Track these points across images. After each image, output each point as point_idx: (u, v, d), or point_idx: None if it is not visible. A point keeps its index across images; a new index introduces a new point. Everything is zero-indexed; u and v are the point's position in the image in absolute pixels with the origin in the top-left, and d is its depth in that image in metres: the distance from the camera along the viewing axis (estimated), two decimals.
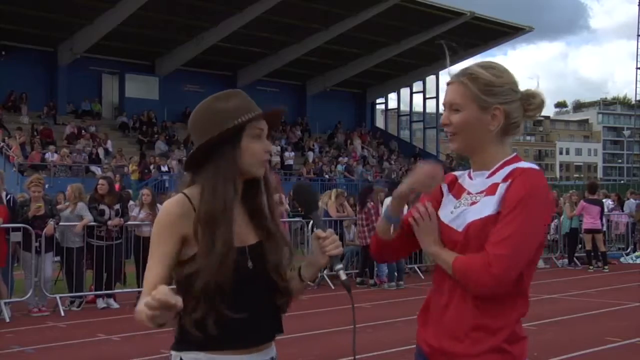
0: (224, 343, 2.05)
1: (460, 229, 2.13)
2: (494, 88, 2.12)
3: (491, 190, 2.10)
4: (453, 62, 2.34)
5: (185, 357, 2.07)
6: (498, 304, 2.04)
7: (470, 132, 2.14)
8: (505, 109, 2.12)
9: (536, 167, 2.10)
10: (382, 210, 12.28)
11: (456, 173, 2.30)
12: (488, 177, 2.15)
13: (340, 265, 2.15)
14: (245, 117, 2.09)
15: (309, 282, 2.20)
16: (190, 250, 2.06)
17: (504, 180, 2.08)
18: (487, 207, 2.08)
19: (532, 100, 2.17)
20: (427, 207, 2.20)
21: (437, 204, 2.25)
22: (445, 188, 2.27)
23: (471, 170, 2.23)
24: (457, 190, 2.24)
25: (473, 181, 2.20)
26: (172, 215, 2.08)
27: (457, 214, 2.17)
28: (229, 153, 2.09)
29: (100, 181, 10.28)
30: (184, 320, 2.04)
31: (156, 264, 2.06)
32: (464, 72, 2.16)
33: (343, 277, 2.13)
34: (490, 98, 2.11)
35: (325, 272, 11.70)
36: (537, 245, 2.06)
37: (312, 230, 13.93)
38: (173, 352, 2.11)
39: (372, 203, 12.43)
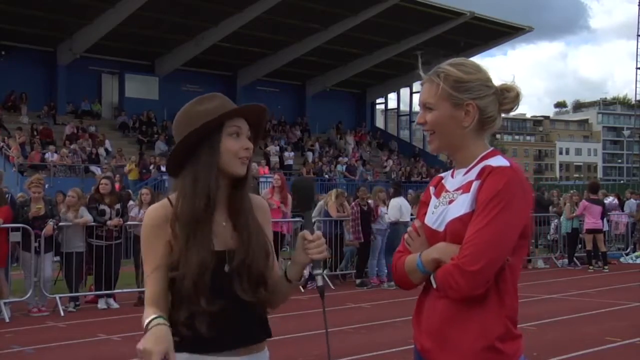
0: (201, 345, 2.07)
1: (440, 229, 2.14)
2: (465, 84, 2.13)
3: (467, 187, 2.11)
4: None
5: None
6: (485, 303, 2.03)
7: (445, 130, 2.16)
8: (479, 103, 2.13)
9: (508, 163, 2.08)
10: (380, 210, 12.16)
11: (442, 174, 2.32)
12: (465, 174, 2.16)
13: (319, 271, 2.11)
14: (218, 114, 2.11)
15: (297, 282, 2.17)
16: (173, 254, 2.08)
17: (477, 178, 2.08)
18: (463, 205, 2.08)
19: (507, 94, 2.17)
20: (417, 224, 2.23)
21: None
22: (432, 191, 2.29)
23: (454, 169, 2.25)
24: (439, 190, 2.25)
25: (454, 179, 2.21)
26: (156, 219, 2.11)
27: (437, 214, 2.18)
28: (207, 152, 2.11)
29: (103, 181, 10.24)
30: (174, 319, 2.06)
31: (152, 270, 2.09)
32: (435, 71, 2.18)
33: (320, 282, 2.11)
34: (461, 94, 2.12)
35: (324, 272, 11.70)
36: (512, 242, 2.02)
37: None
38: None
39: (354, 202, 12.48)
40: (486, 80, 2.16)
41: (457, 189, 2.15)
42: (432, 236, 2.17)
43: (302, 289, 9.24)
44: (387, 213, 12.51)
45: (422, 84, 2.22)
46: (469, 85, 2.13)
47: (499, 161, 2.09)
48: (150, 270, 2.10)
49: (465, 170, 2.17)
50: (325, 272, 11.76)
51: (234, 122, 2.14)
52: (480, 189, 2.04)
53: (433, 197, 2.25)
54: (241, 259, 2.10)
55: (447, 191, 2.19)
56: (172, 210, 2.10)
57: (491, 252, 1.97)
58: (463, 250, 1.99)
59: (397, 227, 12.14)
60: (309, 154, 30.12)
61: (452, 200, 2.14)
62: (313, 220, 13.16)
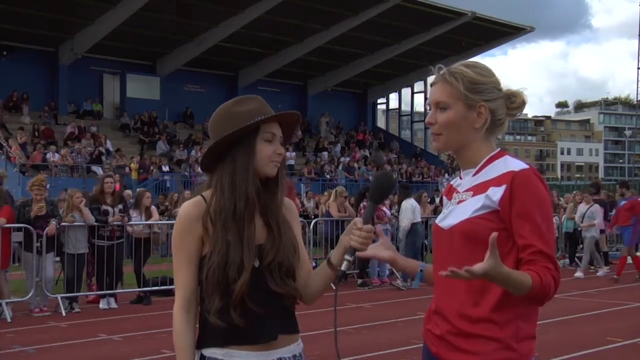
0: (232, 339, 2.14)
1: (446, 228, 2.16)
2: (478, 85, 2.15)
3: (479, 189, 2.12)
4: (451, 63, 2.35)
5: (205, 353, 2.19)
6: (496, 304, 2.05)
7: (456, 130, 2.17)
8: (490, 106, 2.16)
9: (525, 165, 2.11)
10: (385, 212, 12.14)
11: (452, 181, 2.35)
12: (474, 174, 2.18)
13: (349, 257, 2.18)
14: (258, 118, 2.20)
15: (338, 268, 2.22)
16: (207, 247, 2.18)
17: (497, 183, 2.08)
18: (474, 206, 2.10)
19: (513, 99, 2.20)
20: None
21: None
22: (445, 200, 2.33)
23: (461, 170, 2.27)
24: (450, 193, 2.29)
25: (462, 180, 2.24)
26: (190, 217, 2.20)
27: (446, 213, 2.22)
28: (243, 154, 2.19)
29: (108, 179, 10.26)
30: (205, 314, 2.16)
31: (183, 267, 2.20)
32: (449, 72, 2.19)
33: (343, 267, 2.19)
34: (475, 95, 2.14)
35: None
36: None
37: (314, 232, 13.82)
38: (196, 351, 2.22)
39: (364, 203, 12.45)
40: (497, 84, 2.20)
41: (467, 190, 2.17)
42: (438, 234, 2.22)
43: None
44: (394, 214, 12.59)
45: (433, 84, 2.23)
46: (483, 87, 2.16)
47: (516, 164, 2.10)
48: (179, 267, 2.20)
49: (473, 170, 2.19)
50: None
51: (269, 128, 2.23)
52: (514, 198, 2.04)
53: (446, 201, 2.30)
54: (272, 254, 2.19)
55: (457, 192, 2.23)
56: (205, 207, 2.19)
57: (554, 250, 2.08)
58: (544, 257, 2.03)
59: (415, 227, 12.38)
60: (324, 154, 30.33)
61: (461, 201, 2.17)
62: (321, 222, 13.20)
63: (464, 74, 2.16)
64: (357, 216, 12.68)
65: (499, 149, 2.20)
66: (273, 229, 2.22)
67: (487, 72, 2.19)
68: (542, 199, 2.05)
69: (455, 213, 2.16)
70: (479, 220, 2.07)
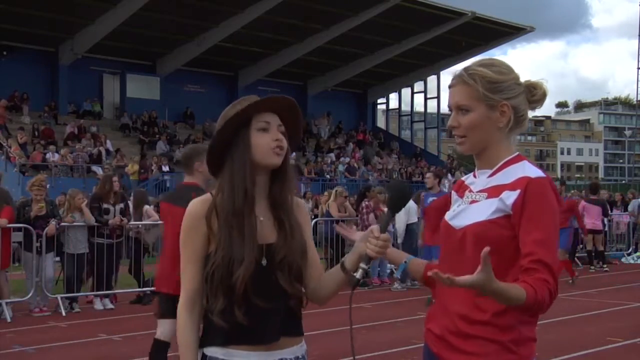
0: (234, 339, 2.13)
1: (457, 228, 2.14)
2: (498, 85, 2.11)
3: (493, 192, 2.10)
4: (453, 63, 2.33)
5: (207, 352, 2.18)
6: (498, 308, 2.04)
7: (479, 132, 2.14)
8: (512, 103, 2.12)
9: (542, 173, 2.08)
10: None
11: (463, 177, 2.33)
12: (490, 176, 2.15)
13: (364, 265, 2.16)
14: (243, 106, 2.18)
15: (352, 274, 2.19)
16: (212, 246, 2.17)
17: (512, 187, 2.06)
18: (488, 209, 2.08)
19: (534, 91, 2.17)
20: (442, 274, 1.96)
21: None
22: (454, 195, 2.30)
23: (476, 169, 2.25)
24: (462, 190, 2.26)
25: (476, 179, 2.22)
26: (196, 215, 2.19)
27: (457, 212, 2.19)
28: (240, 149, 2.18)
29: (116, 178, 10.31)
30: (209, 313, 2.15)
31: (189, 264, 2.20)
32: (467, 73, 2.14)
33: (358, 275, 2.17)
34: (496, 95, 2.11)
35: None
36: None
37: (314, 232, 13.79)
38: (199, 349, 2.21)
39: (366, 203, 12.41)
40: (517, 79, 2.16)
41: (481, 191, 2.14)
42: (448, 232, 2.19)
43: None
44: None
45: (451, 87, 2.19)
46: (503, 86, 2.12)
47: (533, 171, 2.08)
48: (185, 264, 2.20)
49: (489, 172, 2.16)
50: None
51: (262, 118, 2.20)
52: (526, 204, 2.02)
53: (456, 196, 2.26)
54: (282, 253, 2.17)
55: (471, 191, 2.19)
56: (210, 205, 2.18)
57: (555, 262, 2.02)
58: (543, 269, 1.97)
59: (411, 228, 12.12)
60: (331, 155, 30.35)
61: (474, 201, 2.14)
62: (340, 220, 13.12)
63: (483, 74, 2.12)
64: (357, 216, 12.73)
65: (517, 153, 2.18)
66: (285, 228, 2.20)
67: (506, 70, 2.15)
68: (552, 210, 2.03)
69: (467, 213, 2.14)
70: (492, 225, 2.05)
